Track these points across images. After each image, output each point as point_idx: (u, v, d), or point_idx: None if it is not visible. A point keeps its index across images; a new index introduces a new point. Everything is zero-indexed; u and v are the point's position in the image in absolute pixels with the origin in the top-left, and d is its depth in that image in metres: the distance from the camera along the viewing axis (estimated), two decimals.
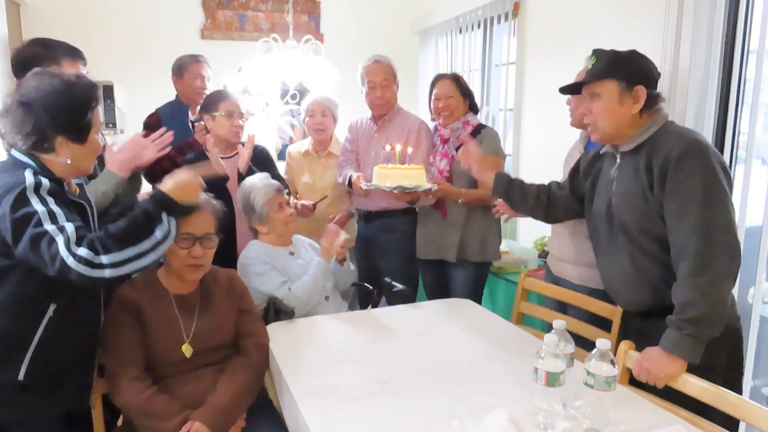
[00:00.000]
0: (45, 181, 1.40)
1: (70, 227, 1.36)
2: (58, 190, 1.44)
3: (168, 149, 2.03)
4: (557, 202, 2.04)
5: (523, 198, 2.06)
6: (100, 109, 1.55)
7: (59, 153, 1.47)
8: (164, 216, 1.49)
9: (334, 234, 2.27)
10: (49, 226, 1.35)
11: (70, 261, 1.33)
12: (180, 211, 1.55)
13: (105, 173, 1.99)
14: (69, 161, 1.48)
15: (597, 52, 1.73)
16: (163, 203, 1.50)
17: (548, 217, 2.09)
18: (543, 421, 1.36)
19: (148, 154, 1.98)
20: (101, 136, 1.59)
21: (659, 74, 1.73)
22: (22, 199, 1.36)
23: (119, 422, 1.83)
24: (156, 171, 2.25)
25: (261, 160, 2.67)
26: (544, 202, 2.04)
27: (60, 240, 1.34)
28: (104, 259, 1.37)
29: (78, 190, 1.61)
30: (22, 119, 1.42)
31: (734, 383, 1.63)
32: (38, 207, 1.36)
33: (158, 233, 1.47)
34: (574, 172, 2.01)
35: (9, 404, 1.46)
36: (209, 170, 1.66)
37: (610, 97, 1.68)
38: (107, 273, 1.38)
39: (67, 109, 1.44)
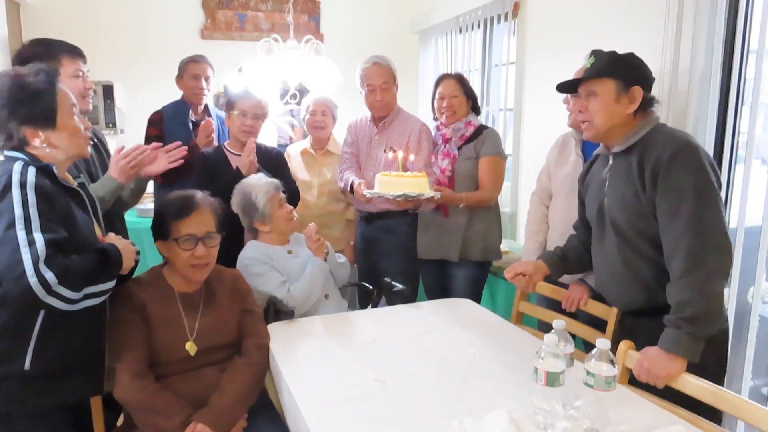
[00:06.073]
0: (31, 177, 1.39)
1: (40, 241, 1.33)
2: (44, 181, 1.42)
3: (179, 162, 2.10)
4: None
5: (579, 260, 2.00)
6: (66, 90, 1.53)
7: (34, 143, 1.47)
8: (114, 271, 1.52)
9: (313, 234, 2.34)
10: (20, 234, 1.33)
11: (33, 280, 1.31)
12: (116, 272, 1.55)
13: (105, 178, 1.99)
14: (48, 149, 1.49)
15: (596, 52, 1.75)
16: (115, 260, 1.51)
17: None
18: (543, 421, 1.36)
19: (159, 165, 2.07)
20: (78, 118, 1.56)
21: (653, 78, 1.76)
22: (4, 192, 1.37)
23: (119, 421, 1.83)
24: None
25: (274, 165, 2.66)
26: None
27: (26, 255, 1.32)
28: (64, 291, 1.35)
29: (75, 184, 1.60)
30: None
31: (718, 383, 1.62)
32: (17, 209, 1.35)
33: (110, 284, 1.50)
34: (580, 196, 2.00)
35: (17, 394, 1.47)
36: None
37: (608, 96, 1.70)
38: (57, 304, 1.36)
39: (21, 98, 1.44)
